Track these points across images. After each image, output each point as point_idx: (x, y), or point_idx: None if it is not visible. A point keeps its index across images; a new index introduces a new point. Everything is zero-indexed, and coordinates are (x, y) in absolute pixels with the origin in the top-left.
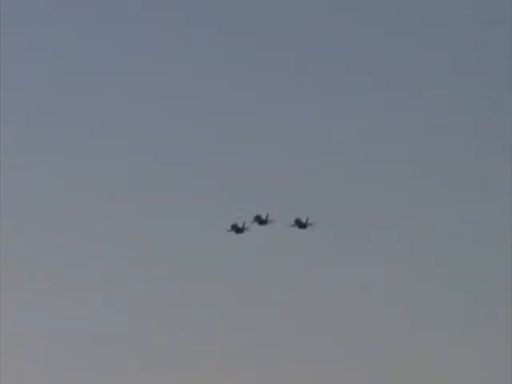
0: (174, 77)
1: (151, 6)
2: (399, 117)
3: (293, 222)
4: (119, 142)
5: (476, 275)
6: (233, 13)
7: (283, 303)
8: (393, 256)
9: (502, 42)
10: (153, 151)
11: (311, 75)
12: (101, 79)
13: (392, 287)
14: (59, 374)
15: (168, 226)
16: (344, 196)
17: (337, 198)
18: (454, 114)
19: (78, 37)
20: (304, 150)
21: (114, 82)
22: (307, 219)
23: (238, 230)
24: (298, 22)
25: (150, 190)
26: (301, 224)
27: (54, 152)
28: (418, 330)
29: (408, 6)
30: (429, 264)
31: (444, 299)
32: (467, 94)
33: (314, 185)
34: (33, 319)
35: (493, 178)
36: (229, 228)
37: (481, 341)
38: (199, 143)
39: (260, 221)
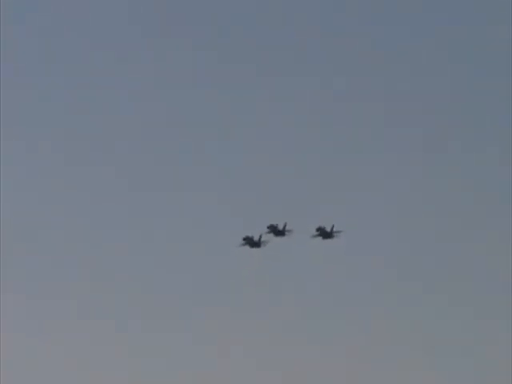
0: (177, 77)
1: (151, 5)
2: (403, 117)
3: (315, 232)
4: (122, 147)
5: (476, 274)
6: (233, 12)
7: (311, 333)
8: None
9: (501, 41)
10: (155, 151)
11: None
12: (101, 79)
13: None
14: (59, 374)
15: (167, 240)
16: (373, 198)
17: (365, 201)
18: (453, 113)
19: (78, 37)
20: (320, 147)
21: (114, 82)
22: (333, 227)
23: (253, 243)
24: (298, 21)
25: (148, 190)
26: (325, 233)
27: (54, 152)
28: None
29: (408, 5)
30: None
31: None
32: (467, 94)
33: (337, 186)
34: (33, 319)
35: (493, 178)
36: (241, 241)
37: (481, 341)
38: (203, 142)
39: (276, 231)
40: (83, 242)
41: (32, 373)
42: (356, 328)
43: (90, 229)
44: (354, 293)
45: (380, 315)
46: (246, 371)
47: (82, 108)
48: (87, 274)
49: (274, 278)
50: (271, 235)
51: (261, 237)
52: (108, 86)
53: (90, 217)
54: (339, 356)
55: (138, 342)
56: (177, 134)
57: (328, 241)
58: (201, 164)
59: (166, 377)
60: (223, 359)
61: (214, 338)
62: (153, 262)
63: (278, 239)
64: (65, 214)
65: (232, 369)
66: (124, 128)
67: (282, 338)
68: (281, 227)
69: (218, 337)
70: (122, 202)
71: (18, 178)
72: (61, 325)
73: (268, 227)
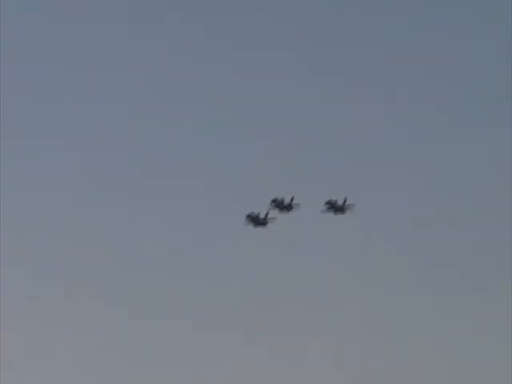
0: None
1: (151, 6)
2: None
3: (325, 206)
4: (122, 147)
5: (476, 273)
6: (233, 12)
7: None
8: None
9: (501, 41)
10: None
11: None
12: (101, 79)
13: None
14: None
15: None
16: (388, 168)
17: (380, 171)
18: (453, 113)
19: (78, 37)
20: (321, 146)
21: (114, 82)
22: (345, 200)
23: (257, 221)
24: (298, 21)
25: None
26: (337, 207)
27: (54, 152)
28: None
29: (407, 5)
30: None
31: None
32: (467, 94)
33: (347, 154)
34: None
35: (492, 177)
36: (244, 219)
37: (481, 340)
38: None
39: (281, 206)
40: (83, 241)
41: (32, 373)
42: (364, 319)
43: (89, 228)
44: (369, 277)
45: (387, 312)
46: (245, 371)
47: (82, 108)
48: (87, 273)
49: (281, 265)
50: (276, 211)
51: (267, 214)
52: (108, 86)
53: (89, 217)
54: (342, 352)
55: (138, 341)
56: (177, 133)
57: (340, 216)
58: (199, 154)
59: (166, 376)
60: (223, 359)
61: (214, 337)
62: (153, 259)
63: (284, 215)
64: (65, 213)
65: (232, 369)
66: (124, 128)
67: (286, 336)
68: (287, 201)
69: (217, 336)
70: (122, 202)
71: (18, 178)
72: (61, 325)
73: (273, 201)
